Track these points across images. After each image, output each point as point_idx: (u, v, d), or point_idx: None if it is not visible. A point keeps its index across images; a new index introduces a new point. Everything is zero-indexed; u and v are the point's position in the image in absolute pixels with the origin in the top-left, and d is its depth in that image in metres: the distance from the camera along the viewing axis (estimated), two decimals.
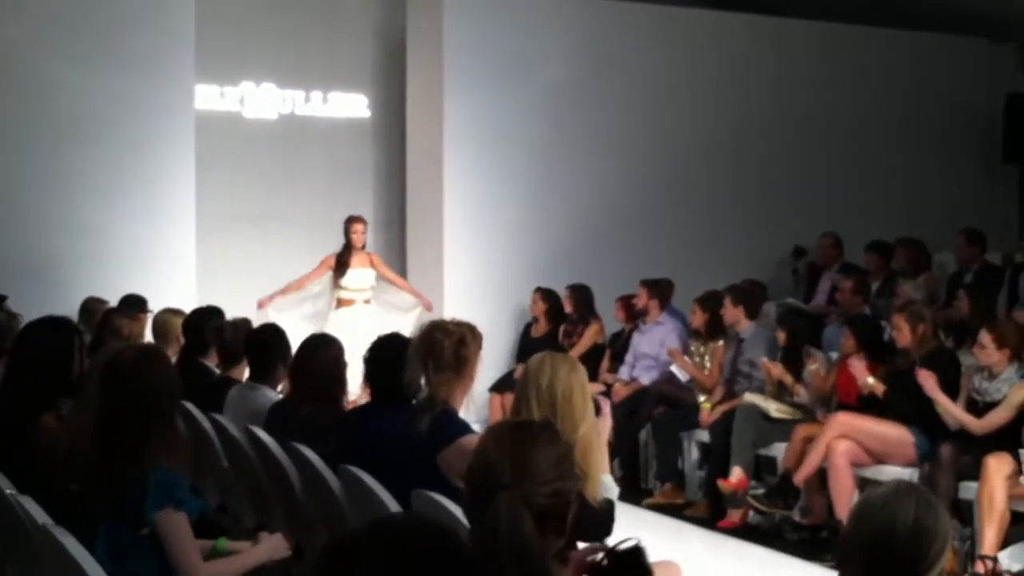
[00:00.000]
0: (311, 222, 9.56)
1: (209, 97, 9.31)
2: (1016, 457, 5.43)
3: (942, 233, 9.20)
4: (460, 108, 9.20)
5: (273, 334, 5.07)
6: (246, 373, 5.15)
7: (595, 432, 3.07)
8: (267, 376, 4.98)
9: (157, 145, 8.37)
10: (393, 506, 3.59)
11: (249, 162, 9.49)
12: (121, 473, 3.14)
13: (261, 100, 9.64)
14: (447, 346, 3.69)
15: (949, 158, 10.73)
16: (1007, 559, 5.30)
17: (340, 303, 8.83)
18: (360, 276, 8.83)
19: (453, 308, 8.12)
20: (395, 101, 9.75)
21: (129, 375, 3.23)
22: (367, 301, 8.91)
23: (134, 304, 7.28)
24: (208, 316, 5.85)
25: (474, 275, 9.19)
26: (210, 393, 5.17)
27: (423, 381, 3.74)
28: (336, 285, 8.85)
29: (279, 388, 5.02)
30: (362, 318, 8.57)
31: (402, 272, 9.55)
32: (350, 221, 8.84)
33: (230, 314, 5.93)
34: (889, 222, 9.48)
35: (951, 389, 5.94)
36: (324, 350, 4.55)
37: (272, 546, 3.58)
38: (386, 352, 4.17)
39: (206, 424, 4.89)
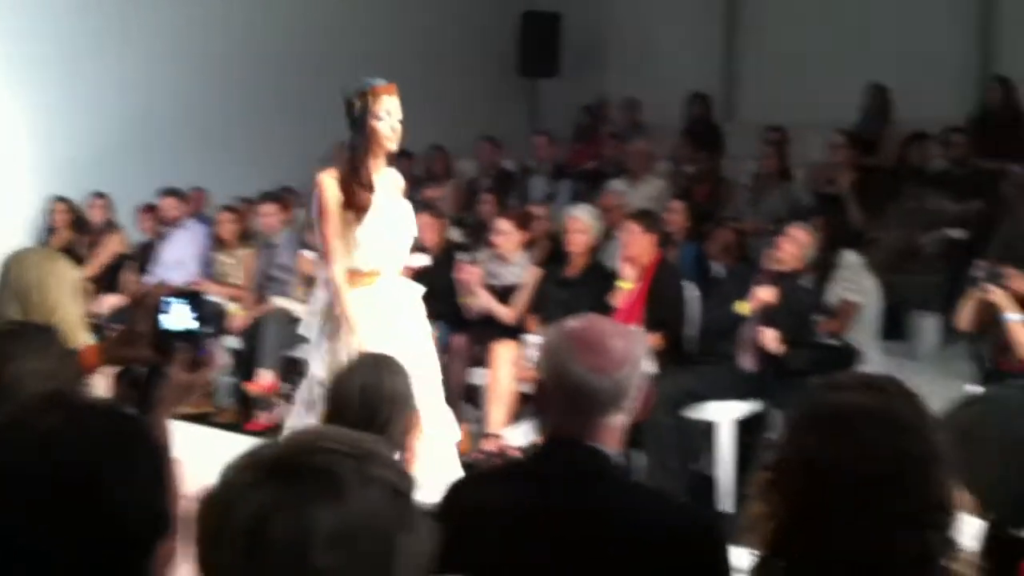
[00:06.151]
0: None
1: None
2: (520, 343, 5.93)
3: (460, 142, 9.69)
4: None
5: None
6: None
7: (78, 320, 2.99)
8: None
9: None
10: None
11: None
12: None
13: None
14: None
15: (468, 72, 11.24)
16: (513, 435, 5.80)
17: (348, 279, 4.21)
18: (392, 217, 4.30)
19: None
20: None
21: None
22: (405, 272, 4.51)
23: None
24: None
25: None
26: None
27: None
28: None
29: None
30: (400, 306, 4.30)
31: None
32: (373, 93, 4.19)
33: None
34: (412, 131, 9.78)
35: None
36: None
37: None
38: None
39: None
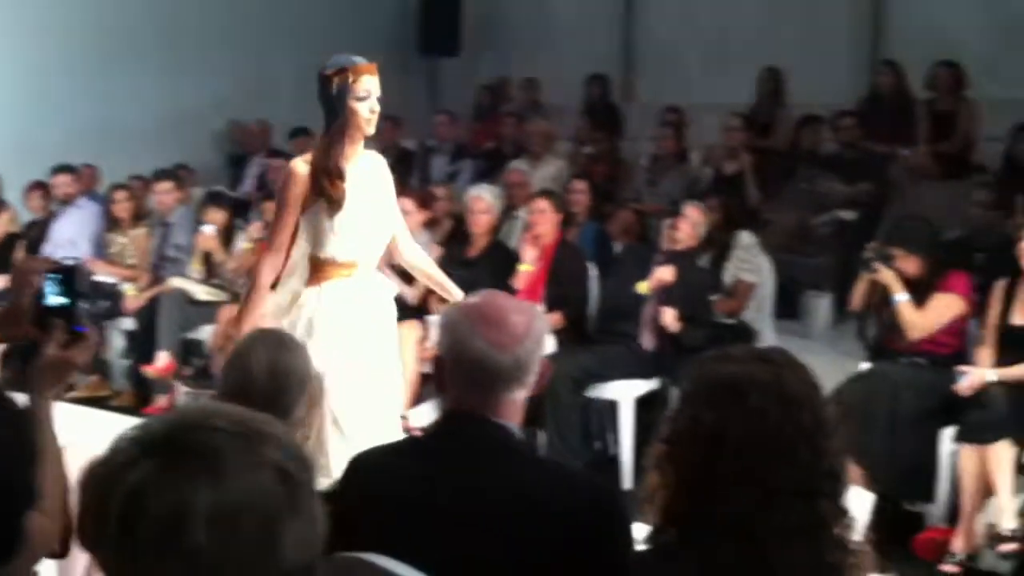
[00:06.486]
0: None
1: None
2: (424, 323, 5.92)
3: None
4: None
5: None
6: None
7: None
8: None
9: None
10: None
11: None
12: None
13: None
14: None
15: (367, 49, 11.03)
16: (416, 417, 5.78)
17: (323, 269, 3.84)
18: (371, 206, 3.88)
19: None
20: None
21: None
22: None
23: None
24: None
25: None
26: None
27: None
28: (313, 230, 3.85)
29: None
30: (377, 305, 3.94)
31: None
32: (355, 71, 3.84)
33: None
34: (311, 110, 9.62)
35: None
36: None
37: None
38: None
39: None
